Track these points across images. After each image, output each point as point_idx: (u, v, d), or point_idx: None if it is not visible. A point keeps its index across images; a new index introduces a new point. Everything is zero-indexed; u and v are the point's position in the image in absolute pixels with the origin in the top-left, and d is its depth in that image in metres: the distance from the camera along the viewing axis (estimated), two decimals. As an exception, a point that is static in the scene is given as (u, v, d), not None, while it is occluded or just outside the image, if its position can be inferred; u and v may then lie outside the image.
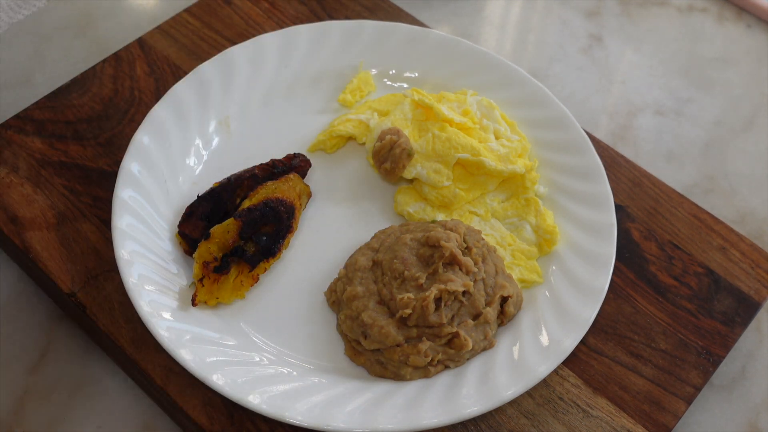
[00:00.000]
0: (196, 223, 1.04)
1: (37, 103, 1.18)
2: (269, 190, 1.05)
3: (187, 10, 1.30)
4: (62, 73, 1.30)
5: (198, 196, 1.06)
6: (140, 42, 1.26)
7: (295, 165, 1.11)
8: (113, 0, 1.42)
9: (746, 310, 1.07)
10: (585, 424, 0.96)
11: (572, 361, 1.01)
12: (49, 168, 1.11)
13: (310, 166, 1.13)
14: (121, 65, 1.23)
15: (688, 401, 0.99)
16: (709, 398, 1.06)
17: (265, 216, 1.03)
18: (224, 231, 1.01)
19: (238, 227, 1.01)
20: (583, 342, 1.02)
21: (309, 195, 1.11)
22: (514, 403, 0.97)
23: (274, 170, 1.09)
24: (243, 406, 0.90)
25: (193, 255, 1.01)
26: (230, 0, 1.32)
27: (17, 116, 1.16)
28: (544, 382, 0.99)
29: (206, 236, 1.01)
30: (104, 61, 1.23)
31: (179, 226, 1.04)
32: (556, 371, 1.00)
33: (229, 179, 1.07)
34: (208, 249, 1.00)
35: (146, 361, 0.96)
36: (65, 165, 1.12)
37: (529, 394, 0.98)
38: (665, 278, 1.09)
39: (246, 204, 1.04)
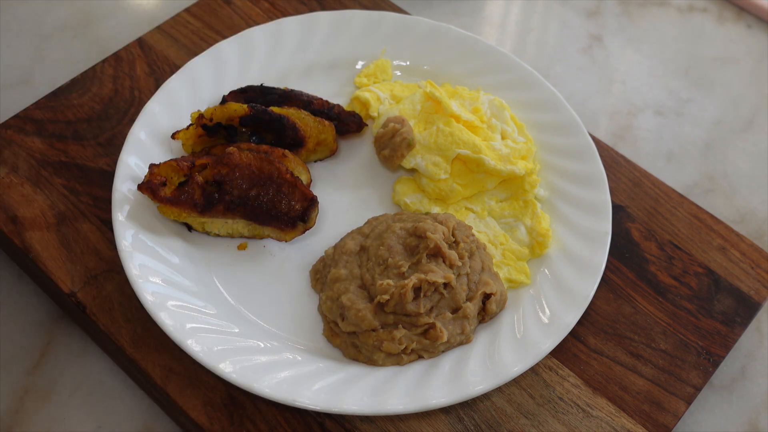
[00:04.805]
0: (239, 100, 1.13)
1: (37, 103, 1.18)
2: (297, 114, 1.10)
3: (187, 10, 1.30)
4: (62, 73, 1.30)
5: (262, 84, 1.16)
6: (140, 42, 1.26)
7: (345, 118, 1.13)
8: (113, 0, 1.42)
9: (746, 310, 1.07)
10: (585, 424, 0.96)
11: (572, 361, 1.01)
12: (49, 168, 1.11)
13: (358, 130, 1.15)
14: (121, 65, 1.23)
15: (688, 401, 0.99)
16: (709, 398, 1.06)
17: (272, 123, 1.07)
18: (235, 107, 1.08)
19: (246, 112, 1.07)
20: (583, 342, 1.02)
21: (332, 151, 1.13)
22: (514, 402, 0.97)
23: (324, 110, 1.13)
24: (218, 375, 0.92)
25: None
26: (230, 0, 1.32)
27: (17, 116, 1.16)
28: (544, 382, 0.99)
29: (222, 101, 1.13)
30: (104, 61, 1.23)
31: (226, 96, 1.15)
32: (555, 371, 1.00)
33: (292, 90, 1.14)
34: (213, 109, 1.07)
35: (146, 361, 0.97)
36: (65, 165, 1.12)
37: (530, 394, 0.98)
38: (665, 278, 1.09)
39: (276, 110, 1.10)
